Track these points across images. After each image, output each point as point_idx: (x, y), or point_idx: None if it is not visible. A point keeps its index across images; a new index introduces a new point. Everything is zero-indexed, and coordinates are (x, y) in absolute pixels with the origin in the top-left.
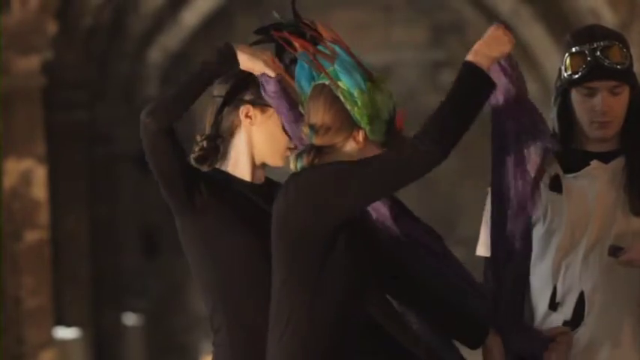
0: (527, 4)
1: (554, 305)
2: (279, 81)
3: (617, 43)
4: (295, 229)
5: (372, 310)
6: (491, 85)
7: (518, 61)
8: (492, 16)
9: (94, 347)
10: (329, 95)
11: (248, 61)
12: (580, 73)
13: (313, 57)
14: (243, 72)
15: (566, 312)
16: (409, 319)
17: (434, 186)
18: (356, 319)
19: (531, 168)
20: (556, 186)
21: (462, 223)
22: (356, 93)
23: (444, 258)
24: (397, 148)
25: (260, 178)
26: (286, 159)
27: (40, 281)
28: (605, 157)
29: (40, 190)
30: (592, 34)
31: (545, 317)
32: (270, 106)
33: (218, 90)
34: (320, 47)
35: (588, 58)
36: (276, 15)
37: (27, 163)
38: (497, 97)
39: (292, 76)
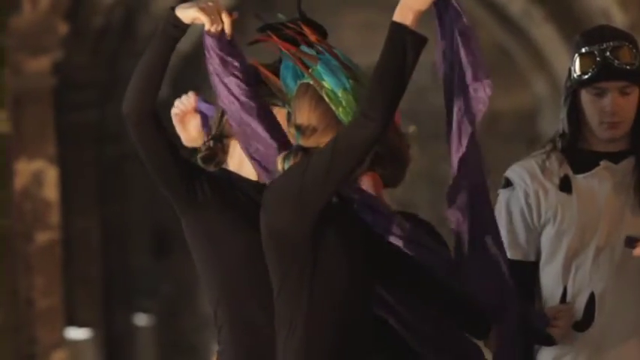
0: (538, 4)
1: None
2: (219, 37)
3: (626, 43)
4: (279, 235)
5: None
6: (418, 40)
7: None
8: (503, 17)
9: (105, 347)
10: (314, 95)
11: (182, 12)
12: (589, 74)
13: (297, 58)
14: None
15: (576, 312)
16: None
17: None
18: (361, 317)
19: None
20: (566, 187)
21: None
22: (340, 93)
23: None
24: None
25: None
26: None
27: (51, 282)
28: (614, 158)
29: (51, 190)
30: (602, 34)
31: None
32: (276, 105)
33: None
34: (303, 48)
35: (598, 59)
36: (281, 17)
37: (38, 164)
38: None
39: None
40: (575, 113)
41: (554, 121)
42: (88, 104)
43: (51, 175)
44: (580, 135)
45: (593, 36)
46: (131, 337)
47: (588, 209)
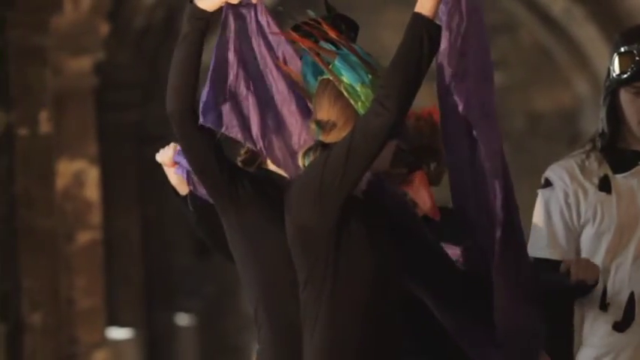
0: (580, 3)
1: (604, 305)
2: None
3: None
4: (303, 231)
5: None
6: (436, 30)
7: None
8: (544, 17)
9: (146, 347)
10: (333, 90)
11: (203, 2)
12: (628, 73)
13: (315, 54)
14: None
15: (616, 312)
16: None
17: None
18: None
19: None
20: (605, 186)
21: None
22: (358, 87)
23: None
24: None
25: None
26: None
27: (92, 282)
28: None
29: (92, 190)
30: None
31: (596, 317)
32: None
33: None
34: (322, 44)
35: (637, 58)
36: (311, 13)
37: (79, 164)
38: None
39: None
40: (614, 113)
41: (595, 121)
42: (129, 104)
43: (92, 175)
44: (619, 134)
45: (632, 35)
46: (173, 337)
47: (628, 209)
